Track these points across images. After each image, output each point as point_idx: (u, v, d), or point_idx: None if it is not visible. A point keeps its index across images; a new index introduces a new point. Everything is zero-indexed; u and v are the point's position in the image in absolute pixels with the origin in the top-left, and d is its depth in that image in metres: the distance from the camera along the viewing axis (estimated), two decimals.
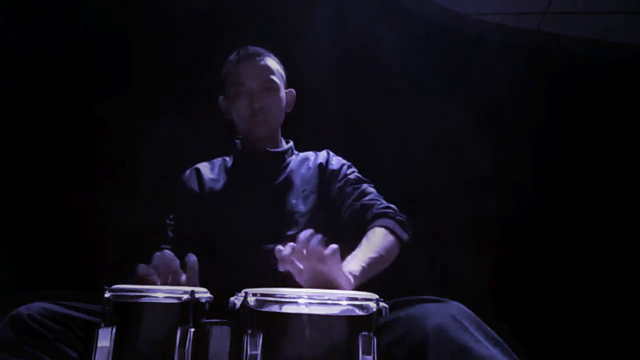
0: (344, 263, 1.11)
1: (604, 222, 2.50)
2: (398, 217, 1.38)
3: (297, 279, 1.02)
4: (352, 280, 1.06)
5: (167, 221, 1.54)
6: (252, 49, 1.57)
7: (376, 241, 1.28)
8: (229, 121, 1.61)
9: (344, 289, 1.03)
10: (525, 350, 1.04)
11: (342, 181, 1.50)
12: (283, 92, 1.59)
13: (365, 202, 1.43)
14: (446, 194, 2.40)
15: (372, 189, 1.49)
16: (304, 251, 0.98)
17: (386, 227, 1.33)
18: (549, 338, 2.30)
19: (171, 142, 2.23)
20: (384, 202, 1.44)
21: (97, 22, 2.34)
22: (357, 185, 1.48)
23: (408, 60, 2.44)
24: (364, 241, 1.27)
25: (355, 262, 1.14)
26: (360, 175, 1.54)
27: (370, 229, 1.33)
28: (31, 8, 2.33)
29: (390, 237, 1.32)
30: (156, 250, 1.49)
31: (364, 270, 1.14)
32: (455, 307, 0.97)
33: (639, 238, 2.46)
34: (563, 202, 2.52)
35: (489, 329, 0.97)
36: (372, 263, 1.18)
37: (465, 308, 0.98)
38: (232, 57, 1.58)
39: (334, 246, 0.99)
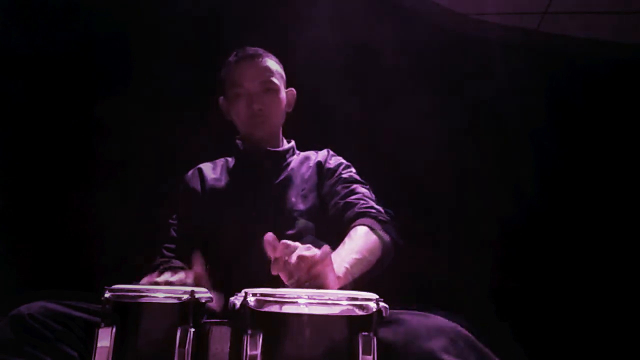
0: None
1: (604, 222, 2.50)
2: (380, 218, 1.36)
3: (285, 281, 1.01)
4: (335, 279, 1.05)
5: (170, 221, 1.55)
6: (251, 49, 1.57)
7: (359, 241, 1.26)
8: (230, 122, 1.61)
9: (333, 287, 1.03)
10: (525, 351, 1.04)
11: (334, 179, 1.50)
12: (283, 93, 1.59)
13: (349, 201, 1.41)
14: (446, 194, 2.40)
15: (363, 190, 1.46)
16: (292, 261, 0.98)
17: (367, 226, 1.31)
18: (549, 338, 2.31)
19: (171, 142, 2.23)
20: (371, 202, 1.42)
21: (97, 22, 2.34)
22: (347, 185, 1.47)
23: (408, 60, 2.45)
24: (347, 240, 1.25)
25: (338, 263, 1.12)
26: (357, 176, 1.53)
27: (352, 228, 1.31)
28: (31, 8, 2.33)
29: (372, 237, 1.29)
30: (157, 250, 1.50)
31: (347, 271, 1.12)
32: (450, 330, 0.95)
33: (639, 238, 2.46)
34: (563, 202, 2.52)
35: (486, 349, 0.96)
36: (355, 264, 1.16)
37: (462, 330, 0.96)
38: (231, 58, 1.57)
39: (324, 252, 0.99)
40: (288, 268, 0.99)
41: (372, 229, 1.30)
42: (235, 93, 1.53)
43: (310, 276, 0.98)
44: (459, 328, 0.96)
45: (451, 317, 1.00)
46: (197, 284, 1.16)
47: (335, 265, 1.10)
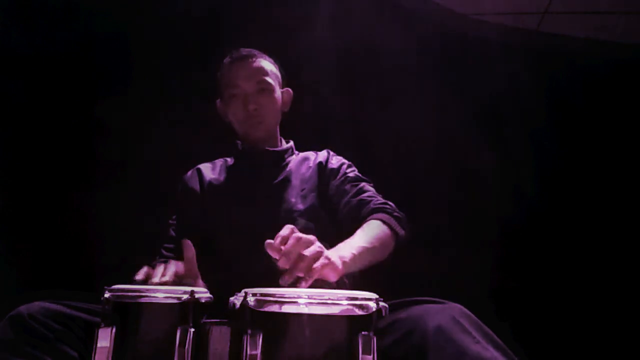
0: (335, 249, 1.12)
1: (604, 222, 2.50)
2: (395, 213, 1.37)
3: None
4: (340, 266, 1.06)
5: (170, 221, 1.55)
6: (245, 50, 1.57)
7: (370, 232, 1.27)
8: (228, 124, 1.61)
9: (331, 278, 1.03)
10: (525, 350, 1.04)
11: (341, 179, 1.50)
12: (278, 92, 1.59)
13: (363, 198, 1.43)
14: (446, 194, 2.40)
15: (370, 187, 1.49)
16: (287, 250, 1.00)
17: (382, 220, 1.32)
18: (549, 338, 2.31)
19: (171, 142, 2.23)
20: (382, 199, 1.44)
21: (97, 22, 2.34)
22: (356, 183, 1.48)
23: (408, 60, 2.45)
24: (359, 231, 1.27)
25: (347, 249, 1.14)
26: (359, 175, 1.54)
27: (366, 222, 1.32)
28: (31, 8, 2.33)
29: (386, 230, 1.31)
30: (157, 250, 1.50)
31: (354, 257, 1.13)
32: (455, 309, 0.97)
33: (639, 238, 2.46)
34: (563, 202, 2.52)
35: (489, 330, 0.97)
36: (364, 252, 1.18)
37: (466, 309, 0.98)
38: (226, 60, 1.58)
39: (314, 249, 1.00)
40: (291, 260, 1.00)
41: (386, 223, 1.32)
42: (230, 94, 1.53)
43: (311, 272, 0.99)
44: (463, 308, 0.98)
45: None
46: (187, 269, 1.20)
47: (343, 251, 1.12)
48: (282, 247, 1.01)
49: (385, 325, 0.96)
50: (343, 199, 1.45)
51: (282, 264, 1.00)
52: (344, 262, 1.08)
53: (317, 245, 1.03)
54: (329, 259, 1.03)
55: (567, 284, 2.40)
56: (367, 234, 1.26)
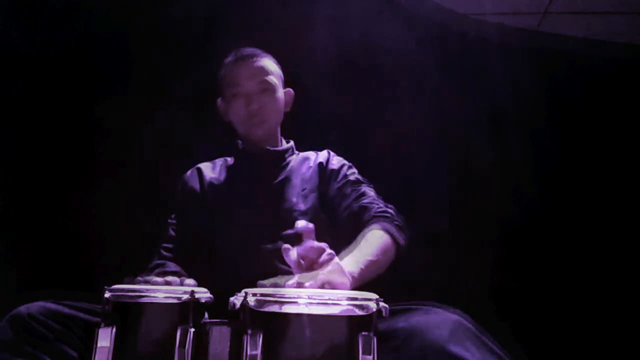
0: (342, 264, 1.12)
1: (604, 222, 2.50)
2: (396, 222, 1.37)
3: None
4: (350, 280, 1.06)
5: (169, 220, 1.55)
6: (248, 50, 1.57)
7: (374, 243, 1.27)
8: (228, 123, 1.61)
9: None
10: (525, 351, 1.04)
11: (342, 181, 1.50)
12: (280, 92, 1.59)
13: (363, 204, 1.42)
14: (446, 194, 2.40)
15: (371, 191, 1.48)
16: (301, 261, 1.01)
17: (384, 230, 1.32)
18: (549, 338, 2.31)
19: (171, 142, 2.23)
20: (383, 204, 1.43)
21: (97, 22, 2.34)
22: (356, 187, 1.48)
23: (408, 60, 2.45)
24: (362, 242, 1.26)
25: (353, 264, 1.14)
26: (360, 177, 1.53)
27: (368, 230, 1.32)
28: (31, 8, 2.33)
29: (388, 241, 1.30)
30: (156, 250, 1.50)
31: (362, 272, 1.14)
32: (455, 318, 0.97)
33: (639, 238, 2.46)
34: (563, 202, 2.52)
35: (491, 339, 0.97)
36: (369, 266, 1.18)
37: (466, 318, 0.98)
38: (228, 59, 1.57)
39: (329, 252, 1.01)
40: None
41: (389, 232, 1.32)
42: (232, 93, 1.53)
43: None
44: (460, 319, 0.98)
45: (451, 311, 1.01)
46: None
47: (350, 266, 1.12)
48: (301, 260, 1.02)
49: (383, 334, 0.95)
50: (343, 203, 1.45)
51: (296, 269, 1.01)
52: (352, 278, 1.08)
53: (327, 253, 1.04)
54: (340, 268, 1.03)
55: (567, 284, 2.40)
56: (371, 246, 1.25)
